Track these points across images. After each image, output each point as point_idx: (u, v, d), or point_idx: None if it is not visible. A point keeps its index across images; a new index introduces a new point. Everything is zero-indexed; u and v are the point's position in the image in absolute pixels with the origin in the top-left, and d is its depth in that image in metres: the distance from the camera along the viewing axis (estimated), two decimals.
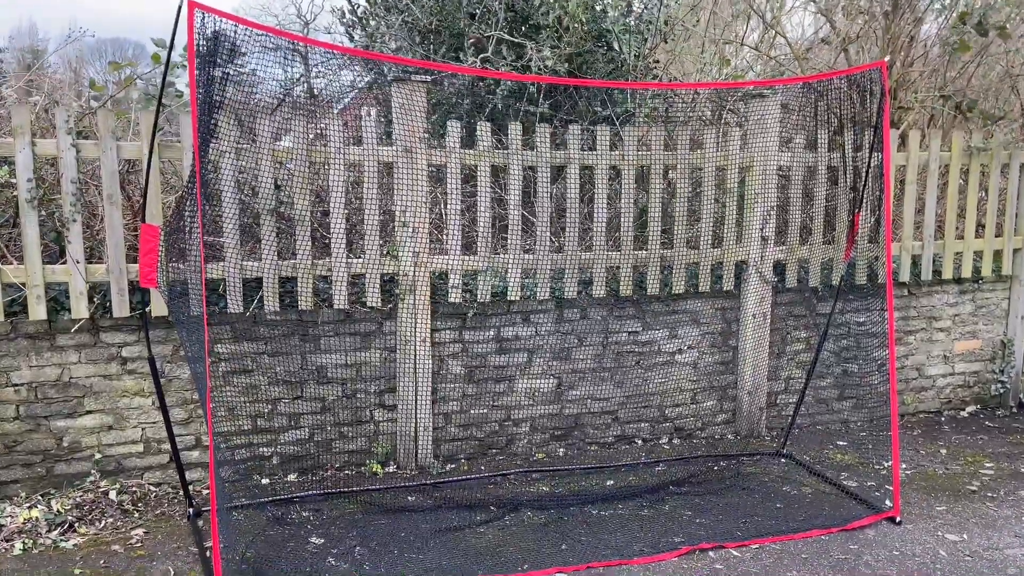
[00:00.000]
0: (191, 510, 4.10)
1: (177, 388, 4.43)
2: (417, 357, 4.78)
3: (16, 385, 4.16)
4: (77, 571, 3.50)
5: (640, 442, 5.50)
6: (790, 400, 5.85)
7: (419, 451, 4.88)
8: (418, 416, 4.84)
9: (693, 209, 5.34)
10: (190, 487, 4.42)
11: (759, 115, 5.34)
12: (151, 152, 3.63)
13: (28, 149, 3.92)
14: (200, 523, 4.01)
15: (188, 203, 3.63)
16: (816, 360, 5.35)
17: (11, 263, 4.03)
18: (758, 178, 5.37)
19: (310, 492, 4.40)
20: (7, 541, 3.69)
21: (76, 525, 3.90)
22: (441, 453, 4.99)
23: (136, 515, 4.09)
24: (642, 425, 5.51)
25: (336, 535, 3.94)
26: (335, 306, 4.59)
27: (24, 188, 3.93)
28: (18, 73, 4.41)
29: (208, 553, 3.67)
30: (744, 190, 5.40)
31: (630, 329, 5.38)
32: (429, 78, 4.60)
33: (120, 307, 4.19)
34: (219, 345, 4.50)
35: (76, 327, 4.19)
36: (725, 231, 5.39)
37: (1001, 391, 6.29)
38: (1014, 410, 6.27)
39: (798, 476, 4.90)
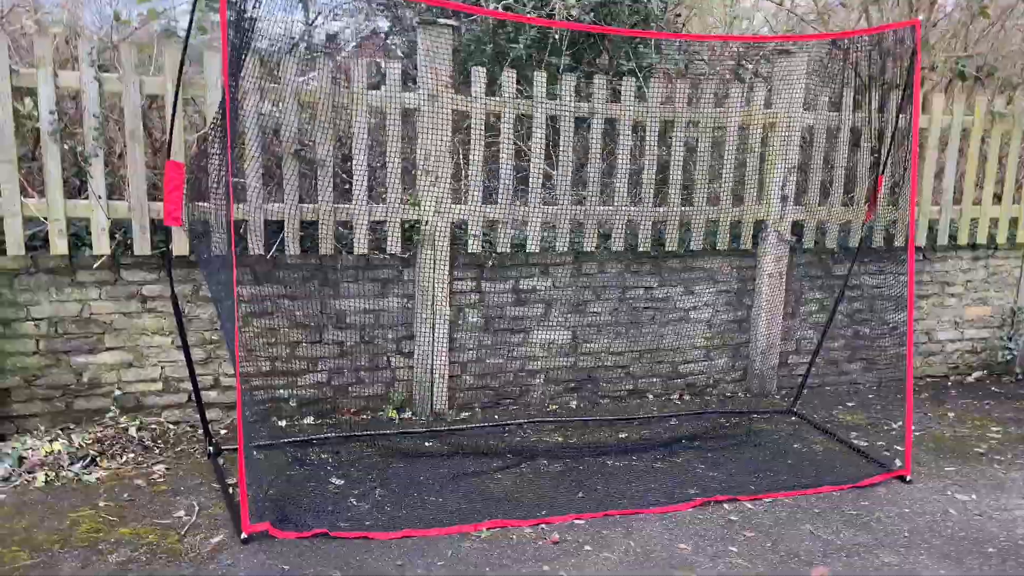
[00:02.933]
0: (211, 448, 4.13)
1: (197, 328, 4.43)
2: (436, 305, 4.78)
3: (36, 320, 4.16)
4: (101, 504, 3.53)
5: (651, 397, 5.54)
6: (800, 360, 5.88)
7: (435, 398, 4.91)
8: (435, 364, 4.85)
9: (713, 166, 5.30)
10: (209, 426, 4.46)
11: (785, 72, 5.28)
12: (177, 87, 3.58)
13: (50, 81, 3.85)
14: (221, 461, 4.05)
15: (215, 140, 3.59)
16: (830, 321, 5.37)
17: (32, 196, 3.99)
18: (781, 136, 5.32)
19: (329, 435, 4.43)
20: (29, 473, 3.72)
21: (98, 459, 3.93)
22: (456, 401, 5.02)
23: (157, 451, 4.12)
24: (654, 380, 5.54)
25: (356, 477, 3.98)
26: (355, 252, 4.58)
27: (46, 121, 3.88)
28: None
29: (231, 490, 3.71)
30: (766, 148, 5.35)
31: (646, 284, 5.38)
32: (455, 21, 4.52)
33: (142, 244, 4.16)
34: (239, 287, 4.48)
35: (97, 263, 4.18)
36: (746, 189, 5.36)
37: (1008, 358, 6.33)
38: (1020, 377, 6.32)
39: (809, 434, 4.95)
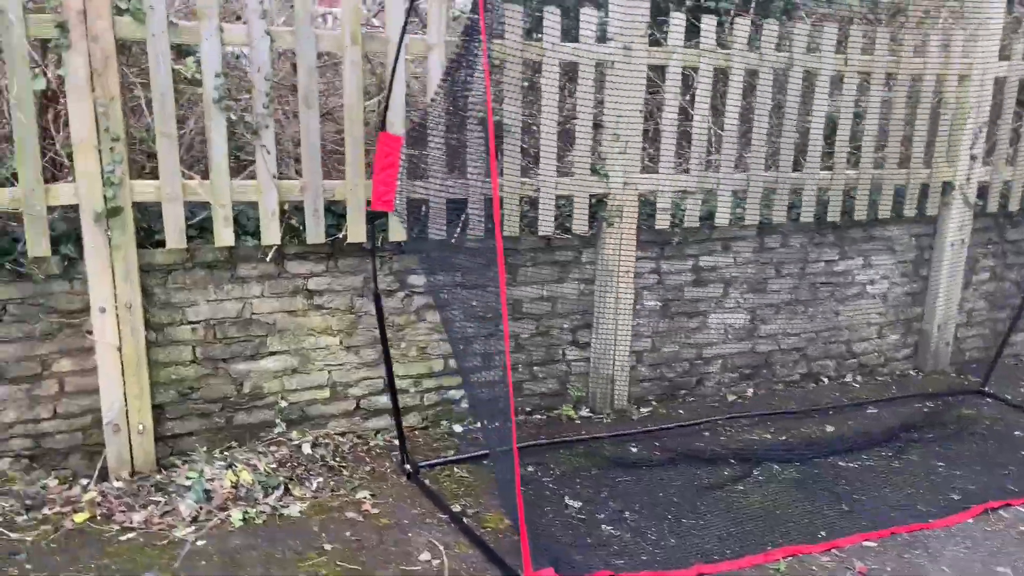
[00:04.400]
0: (407, 467, 3.56)
1: (366, 325, 3.82)
2: (619, 290, 4.21)
3: (192, 323, 3.52)
4: (327, 547, 2.95)
5: (826, 380, 5.05)
6: (970, 334, 5.43)
7: (615, 393, 4.36)
8: (616, 354, 4.30)
9: (906, 124, 4.75)
10: (378, 435, 3.89)
11: (982, 16, 4.71)
12: (402, 37, 2.91)
13: (216, 36, 3.17)
14: (426, 482, 3.48)
15: (443, 105, 2.96)
16: None
17: (193, 177, 3.33)
18: (975, 89, 4.78)
19: (528, 442, 3.87)
20: (222, 510, 3.12)
21: (289, 487, 3.34)
22: (631, 394, 4.48)
23: (345, 473, 3.54)
24: (827, 362, 5.05)
25: (587, 496, 3.44)
26: (540, 233, 3.98)
27: (211, 85, 3.19)
28: None
29: (464, 519, 3.15)
30: (958, 102, 4.80)
31: (827, 258, 4.86)
32: None
33: (315, 231, 3.53)
34: (411, 276, 3.87)
35: (263, 255, 3.54)
36: (936, 149, 4.83)
37: None
38: None
39: (1018, 419, 4.50)
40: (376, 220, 3.50)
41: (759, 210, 4.44)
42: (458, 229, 3.55)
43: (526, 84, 3.78)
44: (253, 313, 3.62)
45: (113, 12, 3.02)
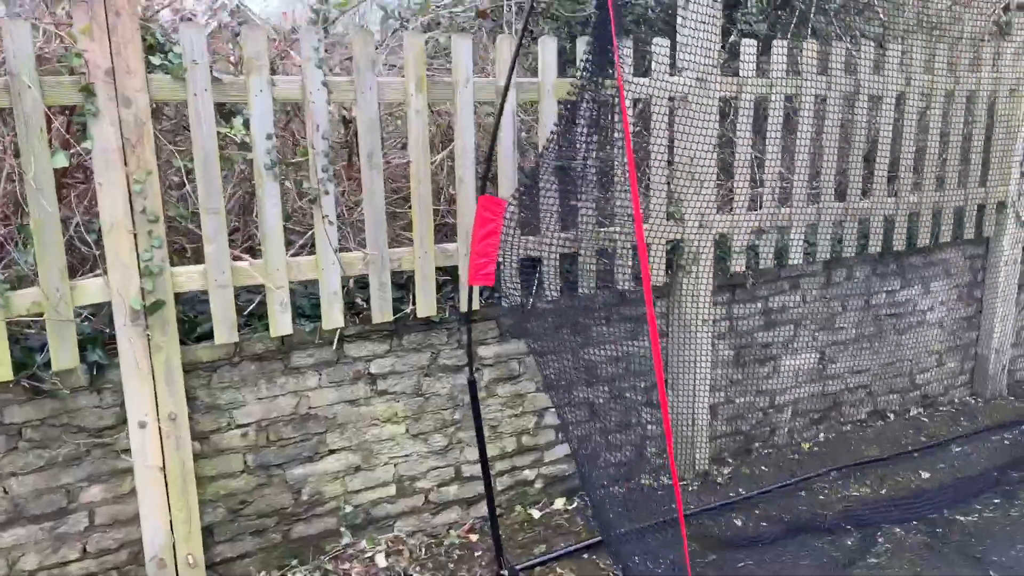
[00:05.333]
0: (504, 572, 3.08)
1: (434, 407, 3.34)
2: (697, 342, 3.83)
3: (242, 426, 2.98)
4: None
5: (891, 416, 4.76)
6: (1020, 353, 5.24)
7: (696, 457, 3.97)
8: (696, 413, 3.91)
9: (963, 143, 4.52)
10: (450, 531, 3.41)
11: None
12: (508, 82, 2.47)
13: (267, 91, 2.66)
14: None
15: (565, 152, 2.54)
16: None
17: (243, 259, 2.80)
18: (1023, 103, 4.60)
19: (634, 526, 3.43)
20: None
21: None
22: (708, 453, 4.10)
23: None
24: (892, 397, 4.76)
25: None
26: (619, 286, 3.57)
27: (262, 149, 2.69)
28: None
29: None
30: (1009, 117, 4.61)
31: (889, 288, 4.58)
32: None
33: (382, 309, 3.04)
34: (481, 347, 3.41)
35: (318, 340, 3.02)
36: (991, 167, 4.62)
37: None
38: None
39: None
40: (473, 295, 3.05)
41: (829, 244, 4.13)
42: (560, 286, 3.13)
43: (609, 122, 3.37)
44: (310, 407, 3.10)
45: (147, 70, 2.50)
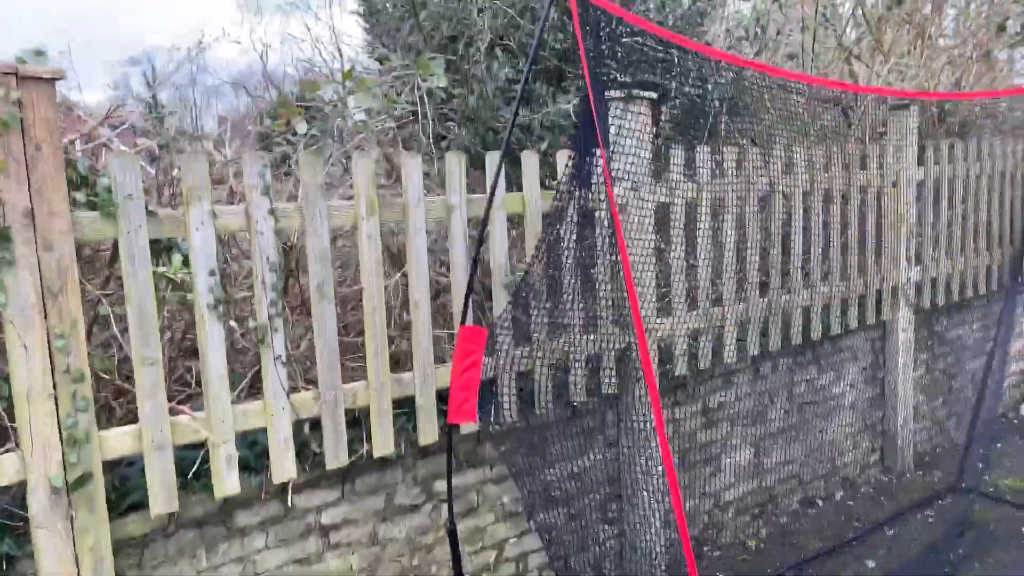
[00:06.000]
0: None
1: (392, 555, 3.02)
2: (651, 449, 3.73)
3: None
4: None
5: (820, 502, 4.83)
6: (919, 427, 5.51)
7: (655, 570, 3.81)
8: (654, 524, 3.78)
9: (860, 235, 4.80)
10: None
11: (900, 127, 4.93)
12: (489, 207, 2.32)
13: (209, 224, 2.38)
14: None
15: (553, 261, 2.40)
16: (985, 381, 5.03)
17: (182, 412, 2.44)
18: (902, 195, 4.95)
19: None
20: None
21: None
22: (665, 563, 3.95)
23: None
24: (818, 483, 4.84)
25: None
26: (573, 400, 3.43)
27: (205, 287, 2.38)
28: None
29: None
30: (894, 210, 4.95)
31: (808, 376, 4.71)
32: (655, 95, 3.59)
33: (336, 454, 2.73)
34: (438, 481, 3.14)
35: (265, 494, 2.67)
36: (884, 256, 4.92)
37: None
38: None
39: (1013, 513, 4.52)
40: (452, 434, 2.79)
41: (758, 338, 4.20)
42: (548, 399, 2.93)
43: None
44: (257, 573, 2.71)
45: (71, 208, 2.17)
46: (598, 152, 2.47)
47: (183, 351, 2.64)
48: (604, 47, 2.47)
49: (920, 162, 5.11)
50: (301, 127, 2.69)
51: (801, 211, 4.33)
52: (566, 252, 2.73)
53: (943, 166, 5.21)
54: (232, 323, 2.47)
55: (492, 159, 2.92)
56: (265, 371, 2.54)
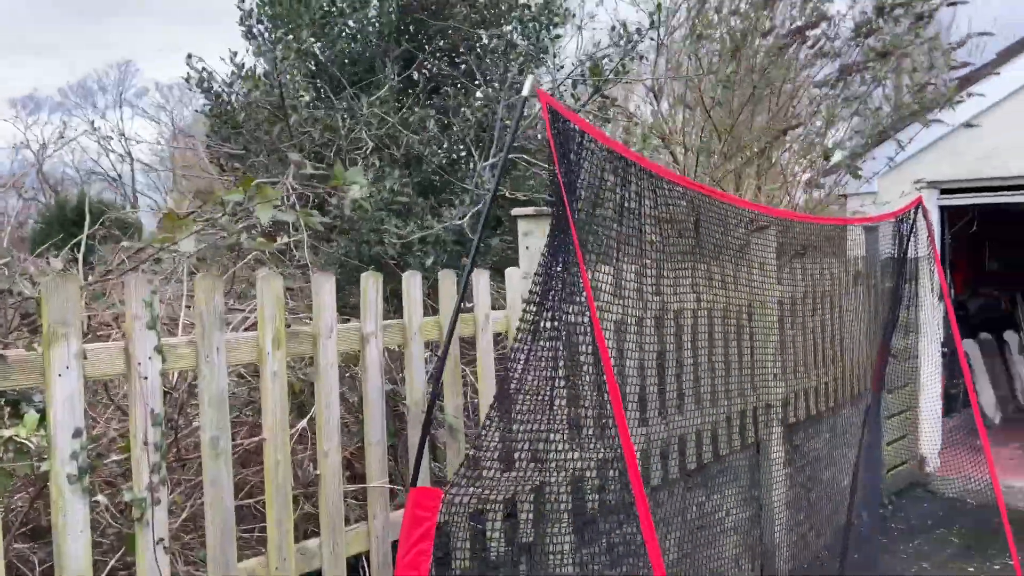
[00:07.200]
0: None
1: None
2: None
3: None
4: None
5: None
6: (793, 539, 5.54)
7: None
8: None
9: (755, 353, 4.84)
10: None
11: (762, 247, 5.12)
12: (448, 339, 1.94)
13: (76, 368, 1.81)
14: None
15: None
16: (852, 500, 5.15)
17: None
18: (771, 313, 5.10)
19: None
20: None
21: None
22: None
23: None
24: None
25: None
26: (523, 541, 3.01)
27: (66, 453, 1.78)
28: None
29: None
30: (765, 328, 5.07)
31: (698, 500, 4.57)
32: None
33: None
34: None
35: None
36: (757, 374, 4.99)
37: None
38: None
39: None
40: None
41: (660, 466, 4.02)
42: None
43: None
44: None
45: None
46: (576, 268, 2.20)
47: (34, 532, 1.97)
48: (572, 157, 2.25)
49: (778, 280, 5.31)
50: (187, 244, 2.20)
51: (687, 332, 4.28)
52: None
53: (796, 284, 5.45)
54: (100, 497, 1.86)
55: (375, 280, 2.53)
56: (140, 560, 1.93)
